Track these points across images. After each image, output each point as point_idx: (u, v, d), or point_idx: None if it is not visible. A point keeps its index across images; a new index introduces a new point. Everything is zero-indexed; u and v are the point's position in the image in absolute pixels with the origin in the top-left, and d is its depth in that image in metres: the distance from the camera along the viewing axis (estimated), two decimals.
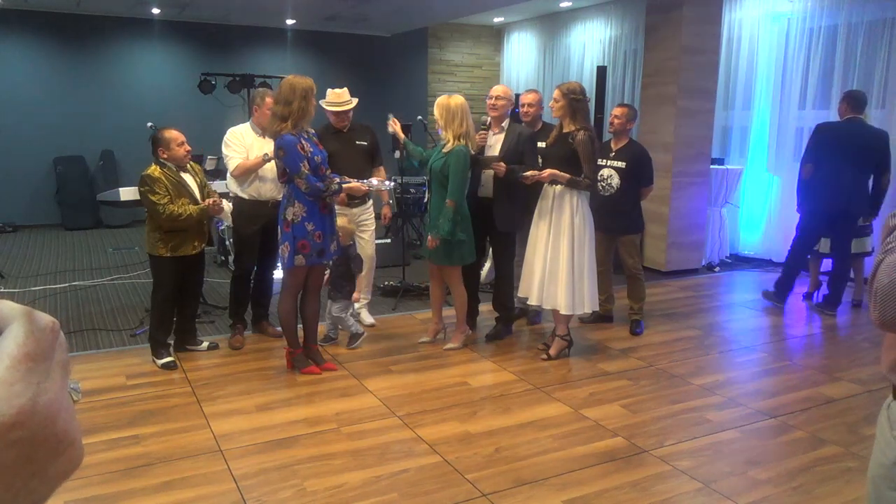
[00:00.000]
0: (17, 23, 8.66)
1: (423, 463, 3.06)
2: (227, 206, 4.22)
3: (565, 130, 4.22)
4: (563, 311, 4.25)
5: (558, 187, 4.20)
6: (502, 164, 4.34)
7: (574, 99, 4.14)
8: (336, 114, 4.58)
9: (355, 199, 4.61)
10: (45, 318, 0.41)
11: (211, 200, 4.07)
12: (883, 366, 1.41)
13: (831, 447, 3.27)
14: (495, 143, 4.52)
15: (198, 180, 4.16)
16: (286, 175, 3.79)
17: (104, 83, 9.18)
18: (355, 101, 4.63)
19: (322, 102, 4.54)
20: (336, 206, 4.50)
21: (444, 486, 2.87)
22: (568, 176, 4.12)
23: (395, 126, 4.56)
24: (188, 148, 4.07)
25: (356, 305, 4.88)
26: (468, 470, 3.00)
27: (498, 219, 4.48)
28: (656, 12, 6.74)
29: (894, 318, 1.22)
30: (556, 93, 4.23)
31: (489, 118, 4.57)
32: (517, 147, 4.43)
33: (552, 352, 4.41)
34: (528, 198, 4.48)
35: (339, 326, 4.56)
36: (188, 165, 4.13)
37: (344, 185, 3.96)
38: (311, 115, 3.84)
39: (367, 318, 4.98)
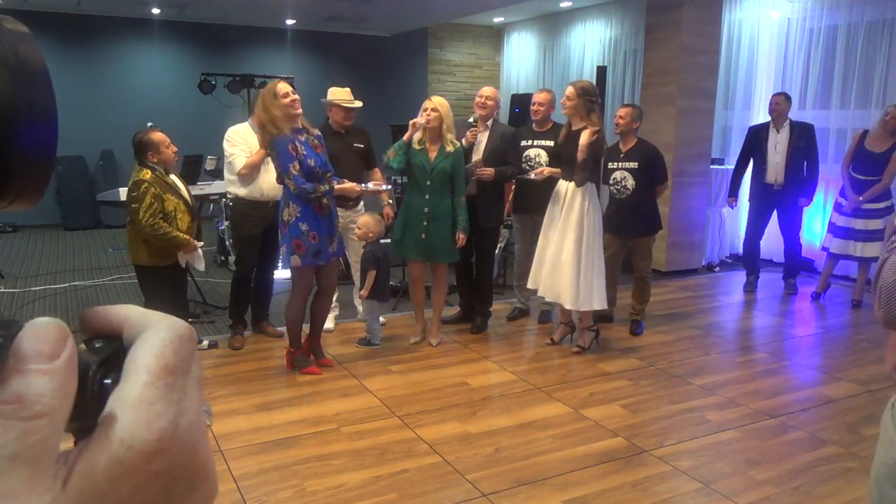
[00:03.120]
0: None
1: (423, 463, 3.06)
2: (200, 252, 4.11)
3: (575, 128, 4.23)
4: (567, 306, 4.30)
5: (571, 184, 4.23)
6: (488, 168, 4.56)
7: (588, 99, 4.19)
8: (346, 111, 4.57)
9: (349, 202, 4.60)
10: (183, 325, 0.35)
11: (195, 242, 4.00)
12: (887, 365, 1.41)
13: (831, 447, 3.27)
14: (480, 141, 4.70)
15: (183, 182, 4.15)
16: (282, 177, 3.82)
17: (104, 83, 9.19)
18: (360, 103, 4.66)
19: (330, 99, 4.58)
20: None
21: (444, 486, 2.87)
22: (558, 170, 4.25)
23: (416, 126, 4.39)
24: (175, 148, 4.03)
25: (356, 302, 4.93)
26: (468, 470, 3.00)
27: (482, 215, 4.62)
28: (656, 12, 6.74)
29: None
30: (569, 90, 4.23)
31: (476, 116, 4.72)
32: (500, 146, 4.68)
33: (583, 344, 4.49)
34: (537, 193, 4.60)
35: (367, 332, 4.55)
36: (172, 168, 4.09)
37: (337, 186, 3.97)
38: (282, 116, 3.73)
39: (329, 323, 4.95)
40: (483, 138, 4.69)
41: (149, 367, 0.32)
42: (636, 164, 4.76)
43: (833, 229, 5.67)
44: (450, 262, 4.57)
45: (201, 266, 4.19)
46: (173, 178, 4.07)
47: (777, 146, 5.81)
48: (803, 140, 5.75)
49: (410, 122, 4.35)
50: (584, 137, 4.12)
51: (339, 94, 4.58)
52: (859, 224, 5.48)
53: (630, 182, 4.77)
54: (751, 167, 6.09)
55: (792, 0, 6.85)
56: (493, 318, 5.02)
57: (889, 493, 1.39)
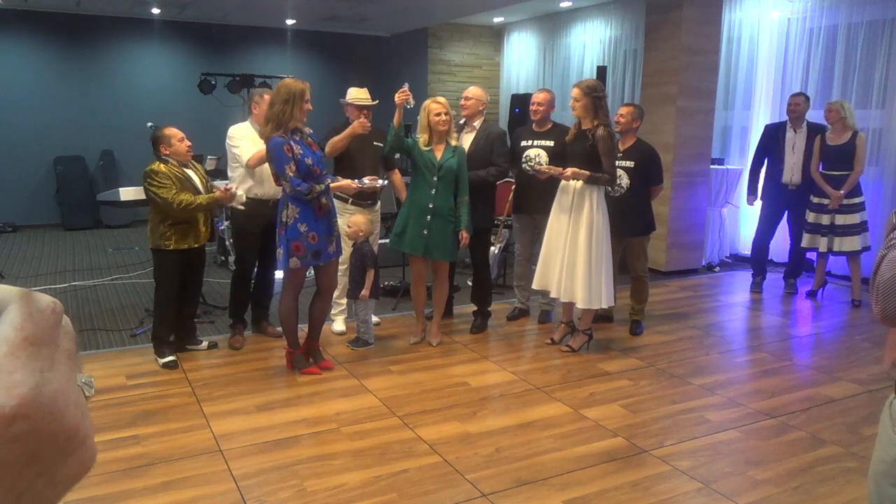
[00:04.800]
0: (17, 23, 8.66)
1: (423, 463, 3.06)
2: (239, 191, 4.21)
3: (584, 128, 4.24)
4: (579, 305, 4.30)
5: (579, 182, 4.24)
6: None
7: (596, 97, 4.20)
8: (360, 109, 4.59)
9: (367, 201, 4.62)
10: (45, 300, 0.37)
11: (224, 188, 4.10)
12: (886, 363, 1.42)
13: (831, 447, 3.27)
14: (466, 142, 4.69)
15: (200, 176, 4.19)
16: (277, 178, 3.82)
17: (104, 83, 9.18)
18: (377, 101, 4.68)
19: (348, 99, 4.63)
20: (349, 205, 4.54)
21: (444, 486, 2.87)
22: (587, 173, 4.18)
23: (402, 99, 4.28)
24: (189, 143, 4.10)
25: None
26: (468, 470, 3.00)
27: (473, 218, 4.58)
28: (656, 12, 6.74)
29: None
30: (575, 92, 4.24)
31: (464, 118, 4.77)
32: (485, 146, 4.65)
33: (575, 345, 4.49)
34: (540, 193, 4.59)
35: (362, 329, 4.53)
36: (190, 163, 4.15)
37: (332, 185, 3.98)
38: (297, 119, 3.77)
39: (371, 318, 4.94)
40: (469, 139, 4.68)
41: (8, 338, 0.34)
42: (632, 163, 4.78)
43: (816, 229, 5.71)
44: (449, 261, 4.55)
45: (242, 198, 4.28)
46: (189, 172, 4.10)
47: (795, 146, 5.82)
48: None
49: (398, 97, 4.25)
50: (601, 145, 4.14)
51: (356, 94, 4.65)
52: (839, 219, 5.59)
53: (625, 181, 4.79)
54: (764, 166, 6.11)
55: (792, 0, 6.85)
56: (493, 318, 5.03)
57: (887, 490, 1.39)
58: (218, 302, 5.42)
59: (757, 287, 6.20)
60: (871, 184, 6.06)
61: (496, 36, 11.44)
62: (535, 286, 4.57)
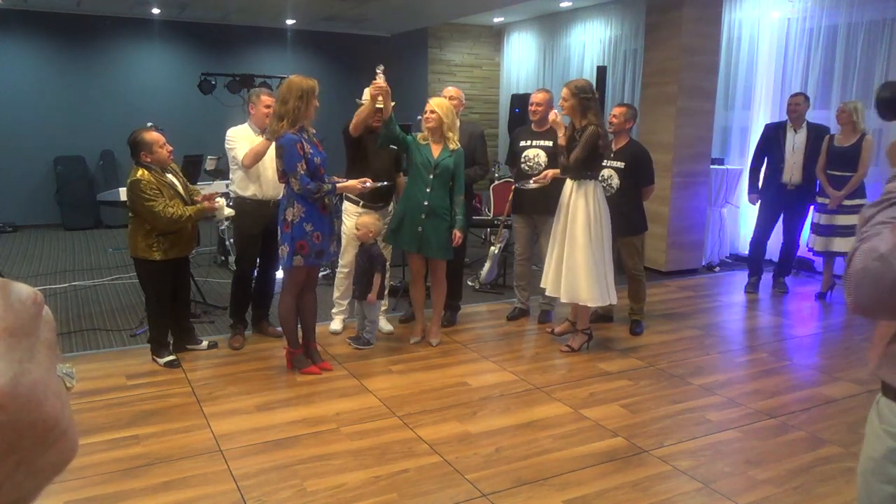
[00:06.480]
0: (17, 23, 8.66)
1: (423, 463, 3.06)
2: (220, 200, 4.20)
3: (578, 128, 4.26)
4: (589, 304, 4.30)
5: (576, 184, 4.26)
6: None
7: (583, 97, 4.19)
8: (375, 111, 4.52)
9: (379, 203, 4.60)
10: (26, 290, 0.36)
11: (207, 203, 4.09)
12: (870, 363, 1.43)
13: (831, 447, 3.27)
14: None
15: (180, 179, 4.16)
16: (285, 176, 3.81)
17: (104, 83, 9.18)
18: (395, 103, 4.64)
19: (364, 99, 4.55)
20: (360, 207, 4.52)
21: (444, 486, 2.87)
22: (557, 171, 4.25)
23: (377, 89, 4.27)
24: (170, 148, 4.05)
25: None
26: (468, 470, 3.00)
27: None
28: (656, 12, 6.74)
29: (867, 303, 1.23)
30: (564, 91, 4.27)
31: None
32: (468, 145, 4.64)
33: (574, 345, 4.49)
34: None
35: (367, 328, 4.53)
36: (169, 166, 4.11)
37: (338, 185, 3.98)
38: (310, 116, 3.83)
39: (385, 325, 4.89)
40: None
41: None
42: (623, 163, 4.78)
43: (817, 229, 5.75)
44: (445, 260, 4.51)
45: (229, 212, 4.26)
46: (170, 177, 4.08)
47: (795, 146, 5.83)
48: (820, 142, 5.78)
49: (372, 89, 4.26)
50: (583, 139, 4.15)
51: None
52: (841, 220, 5.60)
53: (616, 181, 4.80)
54: (763, 165, 6.11)
55: (792, 0, 6.85)
56: (493, 318, 5.03)
57: (875, 486, 1.39)
58: (218, 302, 5.42)
59: (752, 288, 6.19)
60: (872, 184, 6.05)
61: (496, 36, 11.44)
62: (548, 292, 4.53)
